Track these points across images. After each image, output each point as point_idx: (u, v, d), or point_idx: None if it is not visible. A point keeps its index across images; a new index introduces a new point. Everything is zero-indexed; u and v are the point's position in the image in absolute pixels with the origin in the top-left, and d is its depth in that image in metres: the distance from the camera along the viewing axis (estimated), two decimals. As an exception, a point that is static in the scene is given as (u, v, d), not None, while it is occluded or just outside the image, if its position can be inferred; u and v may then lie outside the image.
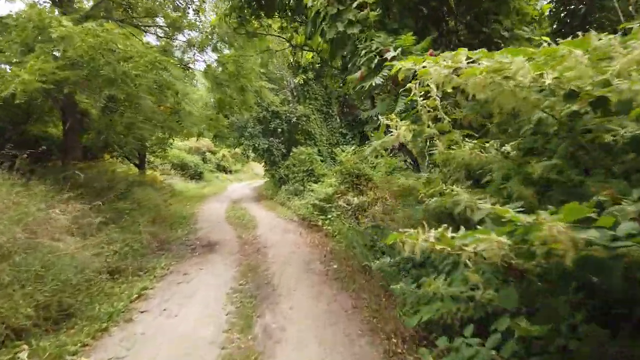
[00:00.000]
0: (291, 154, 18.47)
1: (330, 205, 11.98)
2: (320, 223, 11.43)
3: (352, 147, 17.10)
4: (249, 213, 15.96)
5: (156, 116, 12.61)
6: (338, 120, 23.66)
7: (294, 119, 20.72)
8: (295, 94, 23.42)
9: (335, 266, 7.70)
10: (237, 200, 21.69)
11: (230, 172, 45.49)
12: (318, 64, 21.88)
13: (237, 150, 21.65)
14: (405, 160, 15.01)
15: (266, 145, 20.48)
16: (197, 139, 32.66)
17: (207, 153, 42.47)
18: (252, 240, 10.41)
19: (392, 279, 5.35)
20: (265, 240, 10.36)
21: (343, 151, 15.41)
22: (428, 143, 3.74)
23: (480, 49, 2.66)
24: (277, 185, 21.43)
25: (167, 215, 14.50)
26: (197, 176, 34.29)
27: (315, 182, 17.00)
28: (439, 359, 3.48)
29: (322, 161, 19.58)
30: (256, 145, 20.24)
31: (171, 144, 24.02)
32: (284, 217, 14.63)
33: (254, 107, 17.55)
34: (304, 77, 21.14)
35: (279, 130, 20.76)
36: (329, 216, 11.17)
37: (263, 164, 23.65)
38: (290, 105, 21.70)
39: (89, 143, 15.17)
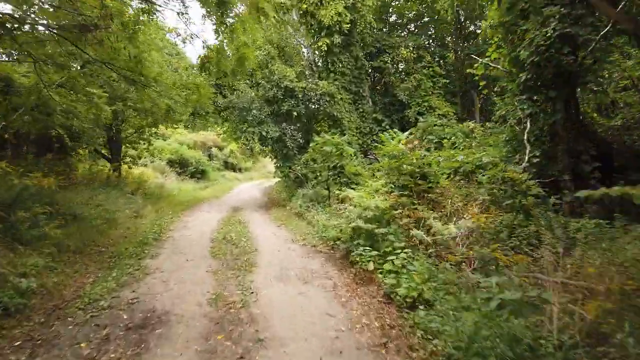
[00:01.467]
0: (311, 145, 13.11)
1: (386, 231, 6.61)
2: (371, 267, 6.05)
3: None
4: (249, 232, 10.69)
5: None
6: (370, 102, 18.23)
7: (315, 99, 15.33)
8: (314, 67, 18.03)
9: None
10: (240, 208, 16.46)
11: (240, 170, 40.43)
12: (347, 23, 16.51)
13: (241, 141, 16.28)
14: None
15: (277, 134, 15.18)
16: (190, 129, 27.72)
17: (213, 149, 37.49)
18: (236, 317, 5.00)
19: None
20: (266, 313, 5.00)
21: (394, 137, 9.98)
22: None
23: None
24: (291, 187, 16.12)
25: (115, 239, 9.31)
26: (198, 175, 29.27)
27: (347, 185, 11.65)
28: None
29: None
30: (264, 133, 14.94)
31: (154, 133, 18.96)
32: (301, 242, 9.30)
33: (258, 73, 12.24)
34: (327, 41, 15.77)
35: (294, 113, 15.44)
36: (391, 258, 5.78)
37: (273, 159, 18.40)
38: (309, 80, 16.30)
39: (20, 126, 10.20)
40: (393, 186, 8.70)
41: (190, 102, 13.15)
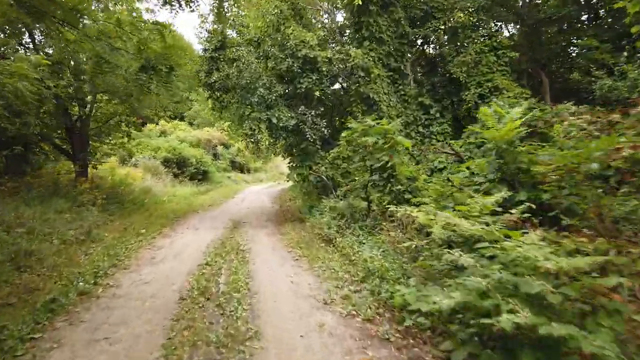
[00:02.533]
0: (343, 135, 8.87)
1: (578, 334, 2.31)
2: None
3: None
4: (249, 277, 6.47)
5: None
6: (413, 82, 13.93)
7: (344, 74, 11.10)
8: (339, 35, 13.84)
9: None
10: (242, 222, 12.32)
11: (248, 170, 36.42)
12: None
13: (242, 132, 12.03)
14: None
15: (292, 122, 10.94)
16: (191, 123, 23.82)
17: (218, 147, 33.53)
18: None
19: None
20: None
21: (502, 114, 5.70)
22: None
23: None
24: (312, 194, 11.92)
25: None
26: (199, 176, 25.28)
27: (400, 195, 7.47)
28: None
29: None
30: (274, 120, 10.73)
31: (133, 122, 15.00)
32: (341, 307, 5.02)
33: (266, 40, 8.43)
34: (362, -5, 11.47)
35: (316, 94, 11.21)
36: None
37: (287, 157, 14.18)
38: (335, 48, 12.06)
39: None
40: (521, 204, 4.42)
41: (149, 52, 9.09)
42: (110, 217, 10.95)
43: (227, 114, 20.06)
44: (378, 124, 8.08)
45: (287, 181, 28.52)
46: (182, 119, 42.03)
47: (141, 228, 10.42)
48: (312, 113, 10.96)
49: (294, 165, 11.86)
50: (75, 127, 12.27)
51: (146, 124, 35.71)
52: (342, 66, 11.10)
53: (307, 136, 10.80)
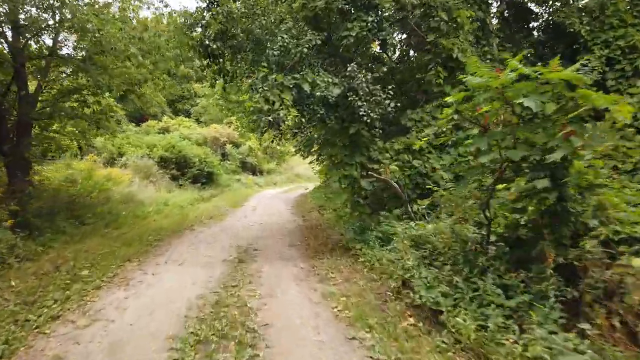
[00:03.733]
0: (451, 97, 4.50)
1: None
2: None
3: None
4: None
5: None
6: (497, 41, 9.64)
7: (417, 18, 6.82)
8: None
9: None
10: (253, 252, 8.15)
11: (261, 172, 32.31)
12: None
13: (252, 107, 7.77)
14: None
15: (336, 90, 6.65)
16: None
17: (227, 146, 29.50)
18: None
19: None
20: None
21: None
22: None
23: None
24: (358, 206, 7.61)
25: None
26: (203, 179, 21.21)
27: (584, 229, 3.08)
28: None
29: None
30: (306, 88, 6.47)
31: (111, 110, 11.06)
32: None
33: None
34: None
35: (372, 47, 6.91)
36: None
37: (322, 150, 9.89)
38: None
39: None
40: None
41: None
42: (41, 246, 6.83)
43: (234, 95, 15.99)
44: (539, 73, 3.78)
45: (306, 188, 24.38)
46: (188, 115, 38.18)
47: (86, 265, 6.28)
48: (368, 77, 6.70)
49: (334, 160, 7.52)
50: (2, 103, 8.18)
51: (146, 119, 31.94)
52: (415, 1, 6.88)
53: (361, 113, 6.52)
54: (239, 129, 30.29)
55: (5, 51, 8.36)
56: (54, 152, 11.37)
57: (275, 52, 6.51)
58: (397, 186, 6.61)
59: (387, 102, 6.78)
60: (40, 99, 9.02)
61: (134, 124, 30.57)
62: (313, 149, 20.35)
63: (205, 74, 10.26)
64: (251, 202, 18.36)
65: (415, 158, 7.46)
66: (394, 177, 6.62)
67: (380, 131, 7.00)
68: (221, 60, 8.70)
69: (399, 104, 7.11)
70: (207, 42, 7.87)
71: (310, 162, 24.55)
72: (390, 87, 6.85)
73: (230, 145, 29.64)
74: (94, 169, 14.32)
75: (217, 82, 9.87)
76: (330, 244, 8.20)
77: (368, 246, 6.72)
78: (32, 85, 9.28)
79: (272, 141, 16.28)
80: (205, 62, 9.25)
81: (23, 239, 6.48)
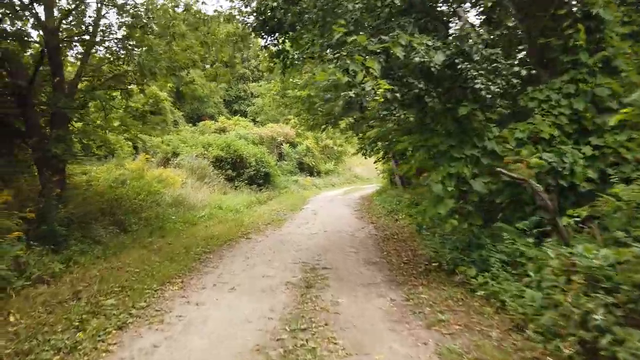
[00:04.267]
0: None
1: None
2: None
3: None
4: None
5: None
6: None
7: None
8: None
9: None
10: (322, 270, 6.44)
11: (318, 173, 30.82)
12: None
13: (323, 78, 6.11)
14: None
15: (439, 57, 4.72)
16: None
17: (283, 145, 28.30)
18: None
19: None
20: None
21: None
22: None
23: None
24: (468, 216, 5.60)
25: None
26: (259, 180, 19.98)
27: None
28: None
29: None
30: (399, 53, 4.62)
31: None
32: None
33: None
34: None
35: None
36: None
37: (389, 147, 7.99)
38: None
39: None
40: None
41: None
42: (63, 262, 5.54)
43: (295, 79, 14.59)
44: None
45: (367, 190, 22.45)
46: (244, 115, 37.66)
47: (115, 290, 4.88)
48: (485, 37, 4.73)
49: (433, 153, 5.55)
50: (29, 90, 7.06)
51: (203, 120, 31.61)
52: None
53: (477, 86, 4.59)
54: (297, 127, 29.07)
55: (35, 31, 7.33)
56: (101, 151, 10.39)
57: (356, 4, 4.75)
58: (538, 189, 4.57)
59: (516, 69, 4.76)
60: (79, 87, 7.91)
61: (191, 125, 30.44)
62: (378, 146, 18.48)
63: (261, 59, 8.86)
64: (311, 205, 16.79)
65: (545, 150, 5.37)
66: (531, 176, 4.59)
67: (503, 112, 4.99)
68: (283, 35, 7.16)
69: (532, 71, 5.06)
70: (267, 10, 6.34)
71: (376, 161, 22.69)
72: (519, 48, 4.82)
73: (287, 144, 28.40)
74: (145, 170, 13.42)
75: (275, 64, 8.34)
76: (420, 263, 6.30)
77: (487, 272, 4.75)
78: (70, 73, 8.24)
79: (352, 127, 14.68)
80: (263, 42, 7.83)
81: (41, 253, 5.22)
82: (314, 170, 30.23)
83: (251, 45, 44.19)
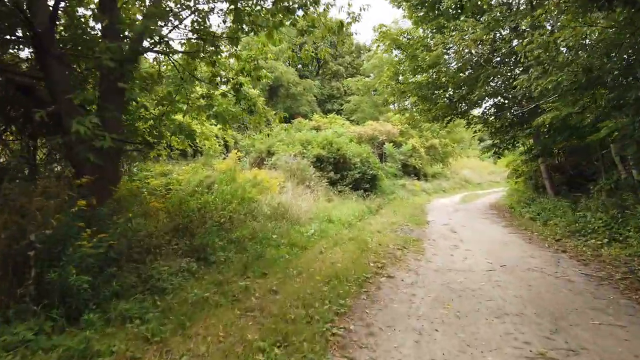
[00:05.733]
0: None
1: None
2: None
3: None
4: None
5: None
6: None
7: None
8: None
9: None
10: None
11: (425, 176, 26.71)
12: None
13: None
14: None
15: None
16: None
17: (386, 145, 24.74)
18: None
19: None
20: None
21: None
22: None
23: None
24: None
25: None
26: (366, 184, 16.70)
27: None
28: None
29: None
30: None
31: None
32: None
33: None
34: None
35: None
36: None
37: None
38: None
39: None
40: None
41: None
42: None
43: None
44: None
45: (510, 186, 18.08)
46: (338, 113, 34.81)
47: None
48: None
49: None
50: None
51: (295, 118, 29.28)
52: None
53: None
54: (403, 123, 25.32)
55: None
56: (183, 144, 7.81)
57: None
58: None
59: None
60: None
61: (283, 123, 28.27)
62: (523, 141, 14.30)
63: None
64: (435, 216, 13.08)
65: None
66: None
67: None
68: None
69: None
70: None
71: (509, 164, 18.39)
72: None
73: (390, 144, 24.81)
74: (238, 171, 10.85)
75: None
76: None
77: None
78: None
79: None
80: None
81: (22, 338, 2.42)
82: (420, 173, 26.20)
83: (345, 40, 41.44)
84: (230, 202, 8.05)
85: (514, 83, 9.65)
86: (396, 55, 15.76)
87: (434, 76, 13.59)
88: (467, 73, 13.18)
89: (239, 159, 12.50)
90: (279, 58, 33.30)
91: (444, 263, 6.60)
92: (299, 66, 40.96)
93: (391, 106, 29.85)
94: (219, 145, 16.52)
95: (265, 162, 15.73)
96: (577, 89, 8.05)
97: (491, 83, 12.42)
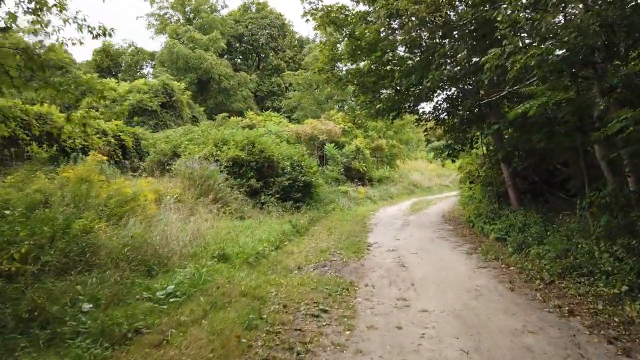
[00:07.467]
0: None
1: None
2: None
3: None
4: None
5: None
6: None
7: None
8: None
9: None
10: None
11: (370, 181, 24.09)
12: None
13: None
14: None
15: None
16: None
17: (326, 146, 21.82)
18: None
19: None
20: None
21: None
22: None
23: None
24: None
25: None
26: (297, 193, 13.63)
27: None
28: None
29: None
30: None
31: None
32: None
33: None
34: None
35: None
36: None
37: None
38: None
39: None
40: None
41: None
42: None
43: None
44: None
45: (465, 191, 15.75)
46: (277, 110, 31.55)
47: None
48: None
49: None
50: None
51: (228, 117, 25.71)
52: None
53: None
54: (346, 121, 22.60)
55: None
56: None
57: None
58: None
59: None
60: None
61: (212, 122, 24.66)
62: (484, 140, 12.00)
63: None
64: (379, 235, 10.26)
65: None
66: None
67: None
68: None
69: None
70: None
71: (460, 167, 16.17)
72: None
73: (331, 145, 21.94)
74: (97, 178, 7.38)
75: None
76: None
77: None
78: None
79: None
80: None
81: None
82: (365, 177, 23.56)
83: (287, 33, 38.04)
84: (44, 236, 4.70)
85: (481, 61, 6.98)
86: (331, 34, 12.88)
87: (377, 61, 10.83)
88: (417, 57, 10.54)
89: (99, 161, 8.93)
90: (209, 48, 29.50)
91: (386, 351, 3.62)
92: (237, 60, 37.34)
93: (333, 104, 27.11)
94: (109, 145, 12.77)
95: (167, 168, 12.24)
96: (577, 62, 5.47)
97: (447, 66, 9.77)
